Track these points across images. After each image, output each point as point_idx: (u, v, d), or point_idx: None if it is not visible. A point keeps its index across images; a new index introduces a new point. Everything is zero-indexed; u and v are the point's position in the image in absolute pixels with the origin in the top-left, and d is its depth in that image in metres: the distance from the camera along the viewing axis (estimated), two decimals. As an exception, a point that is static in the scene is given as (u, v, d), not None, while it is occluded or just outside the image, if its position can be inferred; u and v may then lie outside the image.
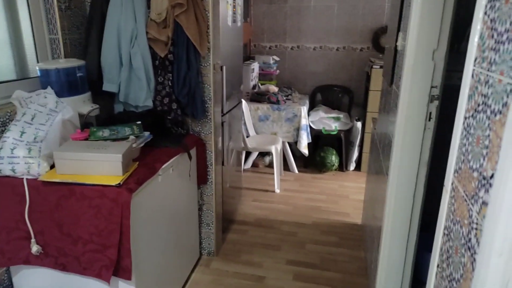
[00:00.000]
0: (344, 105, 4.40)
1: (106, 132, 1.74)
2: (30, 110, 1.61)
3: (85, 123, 1.87)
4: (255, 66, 4.15)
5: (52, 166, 1.57)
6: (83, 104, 1.87)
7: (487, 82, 0.62)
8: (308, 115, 4.02)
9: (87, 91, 1.94)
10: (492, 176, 0.57)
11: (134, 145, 1.68)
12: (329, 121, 3.98)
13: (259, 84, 4.26)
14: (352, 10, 4.19)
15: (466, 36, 1.73)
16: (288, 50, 4.49)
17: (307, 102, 4.16)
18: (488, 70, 0.62)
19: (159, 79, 2.16)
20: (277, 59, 4.41)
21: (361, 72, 4.32)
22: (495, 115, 0.57)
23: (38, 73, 1.79)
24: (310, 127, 3.92)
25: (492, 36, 0.62)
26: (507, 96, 0.54)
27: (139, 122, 1.89)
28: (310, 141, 3.86)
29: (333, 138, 4.04)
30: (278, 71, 4.47)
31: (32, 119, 1.59)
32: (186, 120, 2.33)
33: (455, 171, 0.76)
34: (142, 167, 1.67)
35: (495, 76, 0.59)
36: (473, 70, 0.68)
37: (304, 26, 4.37)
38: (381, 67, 3.61)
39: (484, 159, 0.60)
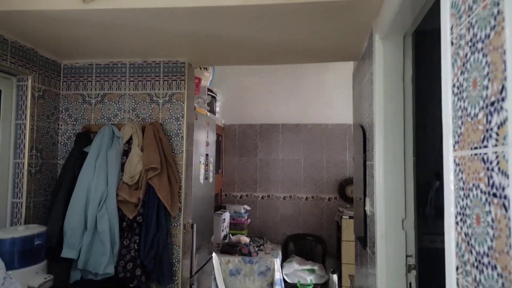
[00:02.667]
0: (318, 255, 4.27)
1: (55, 312, 1.52)
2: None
3: (34, 298, 1.65)
4: (226, 216, 4.11)
5: None
6: (35, 276, 1.68)
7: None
8: (282, 267, 3.83)
9: (43, 259, 1.77)
10: None
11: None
12: (303, 273, 3.78)
13: (230, 235, 4.15)
14: (317, 163, 4.48)
15: (429, 201, 1.82)
16: (259, 200, 4.56)
17: (280, 253, 4.02)
18: (475, 288, 0.59)
19: (124, 242, 2.04)
20: (248, 208, 4.43)
21: (332, 221, 4.36)
22: None
23: (-10, 242, 1.65)
24: (285, 280, 3.69)
25: (471, 253, 0.61)
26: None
27: (96, 296, 1.69)
28: (285, 297, 3.58)
29: (309, 293, 3.78)
30: (249, 220, 4.43)
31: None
32: (150, 287, 2.13)
33: None
34: None
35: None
36: (457, 279, 0.66)
37: (273, 177, 4.55)
38: (350, 217, 3.66)
39: None
